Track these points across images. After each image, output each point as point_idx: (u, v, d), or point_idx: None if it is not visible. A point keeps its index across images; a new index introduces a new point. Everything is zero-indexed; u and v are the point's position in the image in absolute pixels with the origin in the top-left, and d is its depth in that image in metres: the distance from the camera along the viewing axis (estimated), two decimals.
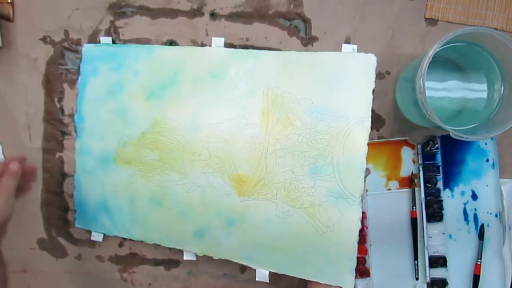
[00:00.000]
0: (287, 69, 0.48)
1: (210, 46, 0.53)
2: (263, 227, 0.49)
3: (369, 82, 0.45)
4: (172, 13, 0.57)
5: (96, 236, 0.58)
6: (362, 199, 0.45)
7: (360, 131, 0.45)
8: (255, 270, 0.51)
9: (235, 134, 0.49)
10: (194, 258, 0.54)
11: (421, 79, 0.45)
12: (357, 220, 0.46)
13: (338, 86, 0.46)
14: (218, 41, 0.51)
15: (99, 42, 0.57)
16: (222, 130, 0.50)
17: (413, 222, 0.55)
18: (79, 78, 0.57)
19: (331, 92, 0.46)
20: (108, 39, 0.56)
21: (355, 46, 0.45)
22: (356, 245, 0.46)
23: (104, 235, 0.58)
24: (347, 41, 0.56)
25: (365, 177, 0.45)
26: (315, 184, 0.46)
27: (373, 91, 0.44)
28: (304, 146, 0.46)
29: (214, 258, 0.51)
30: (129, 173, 0.53)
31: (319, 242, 0.47)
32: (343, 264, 0.47)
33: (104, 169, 0.55)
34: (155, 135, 0.52)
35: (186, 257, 0.54)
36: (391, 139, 0.56)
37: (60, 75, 0.59)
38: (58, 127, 0.59)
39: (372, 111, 0.56)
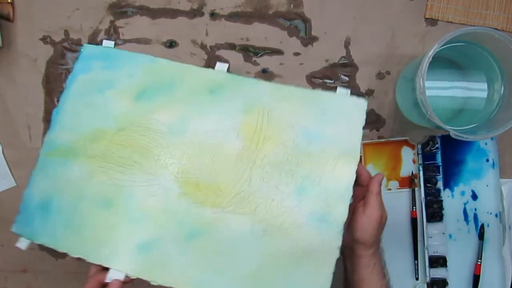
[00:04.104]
0: (283, 98, 0.48)
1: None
2: (231, 246, 0.44)
3: (360, 122, 0.46)
4: (172, 13, 0.57)
5: (22, 242, 0.50)
6: (344, 228, 0.42)
7: (350, 160, 0.44)
8: None
9: (223, 144, 0.47)
10: (121, 279, 0.44)
11: (421, 79, 0.45)
12: (336, 248, 0.42)
13: (331, 120, 0.46)
14: (222, 66, 0.51)
15: (101, 43, 0.57)
16: (210, 138, 0.48)
17: (413, 222, 0.55)
18: (70, 74, 0.56)
19: (324, 124, 0.46)
20: (111, 43, 0.56)
21: (348, 91, 0.47)
22: (331, 276, 0.42)
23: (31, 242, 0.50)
24: (347, 42, 0.56)
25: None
26: (299, 204, 0.44)
27: (363, 128, 0.46)
28: (293, 165, 0.45)
29: (152, 283, 0.44)
30: (88, 169, 0.50)
31: (292, 270, 0.43)
32: None
33: (62, 164, 0.52)
34: (134, 133, 0.50)
35: (110, 278, 0.44)
36: (391, 139, 0.56)
37: (60, 75, 0.59)
38: None
39: (372, 111, 0.57)
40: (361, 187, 0.45)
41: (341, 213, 0.43)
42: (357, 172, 0.44)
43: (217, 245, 0.44)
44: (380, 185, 0.44)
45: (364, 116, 0.46)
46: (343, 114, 0.47)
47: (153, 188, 0.47)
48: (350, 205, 0.43)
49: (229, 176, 0.46)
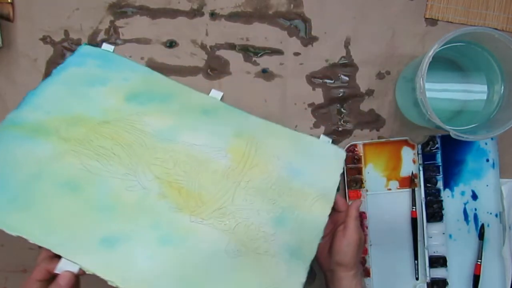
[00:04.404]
0: (271, 133, 0.51)
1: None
2: (204, 260, 0.42)
3: (338, 169, 0.50)
4: (172, 13, 0.57)
5: None
6: (311, 264, 0.44)
7: (325, 204, 0.47)
8: None
9: (211, 159, 0.48)
10: (74, 271, 0.39)
11: (421, 79, 0.45)
12: (300, 284, 0.43)
13: (312, 163, 0.50)
14: (216, 94, 0.54)
15: (101, 43, 0.57)
16: (198, 151, 0.48)
17: (413, 222, 0.55)
18: (60, 65, 0.54)
19: (306, 165, 0.49)
20: (111, 47, 0.56)
21: (330, 140, 0.52)
22: None
23: None
24: (347, 42, 0.56)
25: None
26: (275, 233, 0.45)
27: (340, 176, 0.50)
28: (275, 195, 0.47)
29: (110, 284, 0.39)
30: (58, 150, 0.46)
31: None
32: None
33: (24, 138, 0.47)
34: (119, 128, 0.48)
35: (60, 269, 0.39)
36: (391, 139, 0.56)
37: None
38: None
39: (372, 111, 0.57)
40: (338, 212, 0.49)
41: (310, 251, 0.45)
42: (334, 201, 0.48)
43: (189, 255, 0.42)
44: (358, 210, 0.48)
45: (342, 165, 0.50)
46: (324, 160, 0.50)
47: (130, 183, 0.45)
48: (319, 244, 0.46)
49: (213, 190, 0.46)
